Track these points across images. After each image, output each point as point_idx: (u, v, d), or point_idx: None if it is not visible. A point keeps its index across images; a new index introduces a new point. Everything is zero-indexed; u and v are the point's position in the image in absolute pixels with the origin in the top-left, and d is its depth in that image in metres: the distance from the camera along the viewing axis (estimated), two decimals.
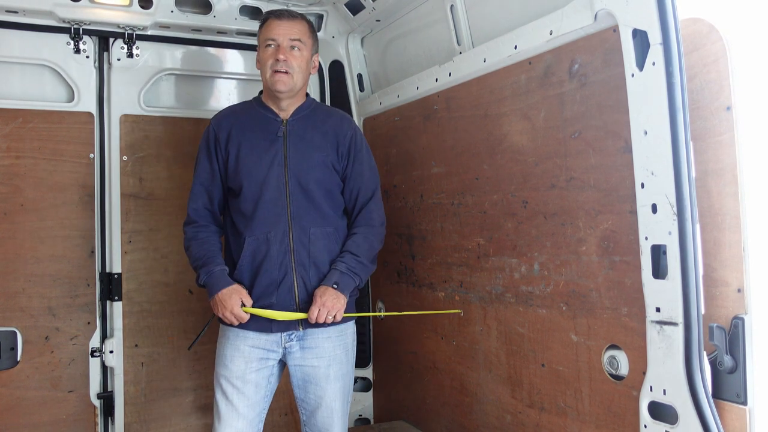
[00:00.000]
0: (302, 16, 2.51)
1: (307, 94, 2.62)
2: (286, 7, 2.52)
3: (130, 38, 3.12)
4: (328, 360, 2.44)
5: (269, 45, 2.43)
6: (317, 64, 2.60)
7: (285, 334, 2.42)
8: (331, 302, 2.33)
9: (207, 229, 2.52)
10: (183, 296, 3.27)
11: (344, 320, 2.48)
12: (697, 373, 1.68)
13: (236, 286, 2.39)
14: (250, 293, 2.41)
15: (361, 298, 3.53)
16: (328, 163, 2.46)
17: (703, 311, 1.69)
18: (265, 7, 3.29)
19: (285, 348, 2.44)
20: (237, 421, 2.42)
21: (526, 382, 2.37)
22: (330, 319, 2.34)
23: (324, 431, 2.48)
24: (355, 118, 3.54)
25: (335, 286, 2.35)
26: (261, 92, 2.59)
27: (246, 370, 2.42)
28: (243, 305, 2.37)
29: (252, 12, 3.34)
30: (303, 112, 2.51)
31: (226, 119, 2.55)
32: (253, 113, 2.53)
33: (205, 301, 3.25)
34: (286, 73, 2.40)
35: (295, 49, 2.43)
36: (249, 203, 2.42)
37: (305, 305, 2.39)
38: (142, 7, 3.06)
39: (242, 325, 2.42)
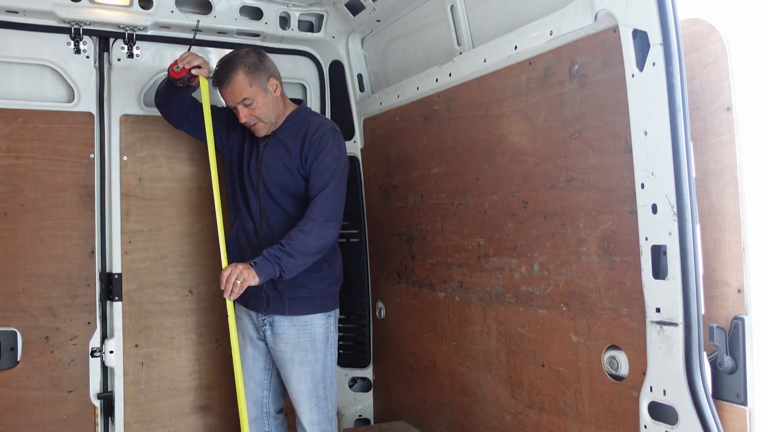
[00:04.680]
0: (235, 69, 2.61)
1: (301, 101, 2.91)
2: (220, 66, 2.67)
3: (131, 38, 3.12)
4: (293, 346, 2.71)
5: (230, 107, 2.71)
6: (277, 85, 2.72)
7: (258, 316, 2.75)
8: (241, 270, 2.44)
9: None
10: (183, 296, 3.26)
11: (308, 312, 2.71)
12: (697, 373, 1.68)
13: None
14: None
15: (360, 299, 3.54)
16: (293, 169, 2.69)
17: (703, 311, 1.69)
18: (265, 8, 3.30)
19: (263, 331, 2.76)
20: (249, 369, 2.84)
21: (526, 382, 2.37)
22: (238, 283, 2.43)
23: (296, 410, 2.78)
24: (355, 118, 3.54)
25: (253, 263, 2.48)
26: None
27: (244, 345, 2.83)
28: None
29: (252, 12, 3.33)
30: (287, 125, 2.77)
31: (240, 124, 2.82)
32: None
33: (205, 300, 3.28)
34: (255, 124, 2.70)
35: (248, 103, 2.64)
36: (234, 198, 2.87)
37: (272, 293, 2.68)
38: (143, 7, 3.06)
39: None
